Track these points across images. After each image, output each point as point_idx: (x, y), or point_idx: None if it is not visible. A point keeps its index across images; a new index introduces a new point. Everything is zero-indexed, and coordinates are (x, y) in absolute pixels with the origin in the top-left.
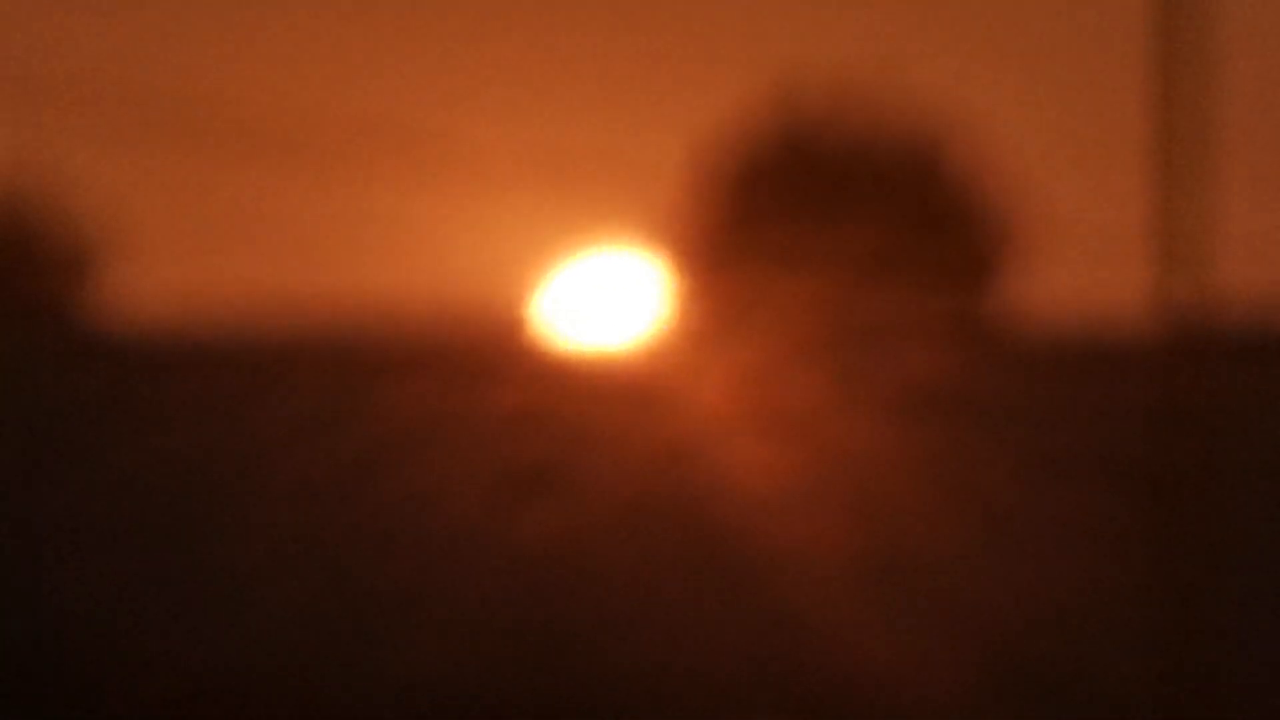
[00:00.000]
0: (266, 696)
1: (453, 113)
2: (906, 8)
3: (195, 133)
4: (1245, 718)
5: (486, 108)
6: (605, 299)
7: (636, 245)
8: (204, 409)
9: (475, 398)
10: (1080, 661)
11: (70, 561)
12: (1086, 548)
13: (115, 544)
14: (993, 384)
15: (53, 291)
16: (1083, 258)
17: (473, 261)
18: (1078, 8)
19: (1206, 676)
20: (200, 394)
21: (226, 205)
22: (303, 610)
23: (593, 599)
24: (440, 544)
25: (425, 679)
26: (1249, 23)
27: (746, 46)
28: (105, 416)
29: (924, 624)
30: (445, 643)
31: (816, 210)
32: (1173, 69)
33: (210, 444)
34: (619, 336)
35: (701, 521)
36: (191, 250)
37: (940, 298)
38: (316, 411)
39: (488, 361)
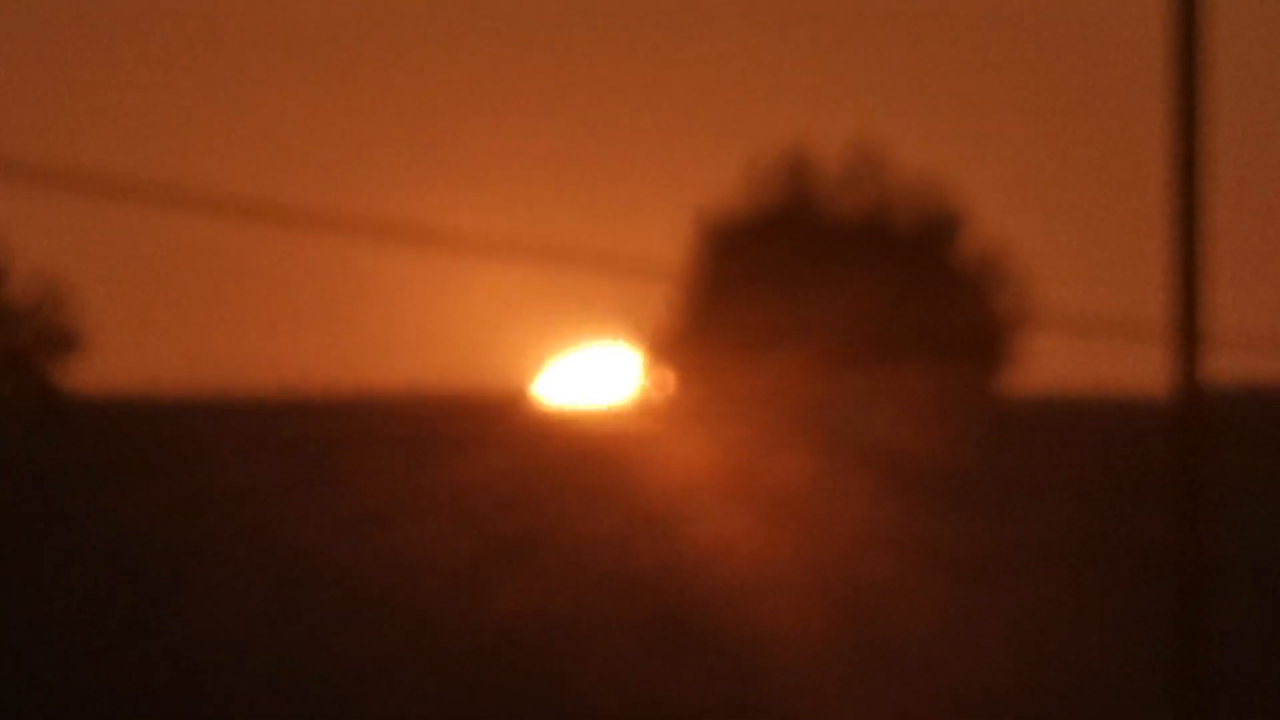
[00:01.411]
0: None
1: (439, 201)
2: (921, 83)
3: (190, 203)
4: None
5: (474, 196)
6: (594, 370)
7: (627, 328)
8: (190, 471)
9: (457, 470)
10: None
11: (54, 625)
12: (1085, 628)
13: (95, 603)
14: (994, 460)
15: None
16: (1093, 336)
17: (460, 340)
18: (1102, 100)
19: None
20: (186, 457)
21: (223, 273)
22: (286, 673)
23: (571, 668)
24: (423, 610)
25: None
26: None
27: (752, 121)
28: (84, 479)
29: (910, 705)
30: (427, 708)
31: (819, 280)
32: (1193, 150)
33: (191, 507)
34: (607, 406)
35: (683, 594)
36: (180, 319)
37: (945, 371)
38: (302, 480)
39: (472, 436)
